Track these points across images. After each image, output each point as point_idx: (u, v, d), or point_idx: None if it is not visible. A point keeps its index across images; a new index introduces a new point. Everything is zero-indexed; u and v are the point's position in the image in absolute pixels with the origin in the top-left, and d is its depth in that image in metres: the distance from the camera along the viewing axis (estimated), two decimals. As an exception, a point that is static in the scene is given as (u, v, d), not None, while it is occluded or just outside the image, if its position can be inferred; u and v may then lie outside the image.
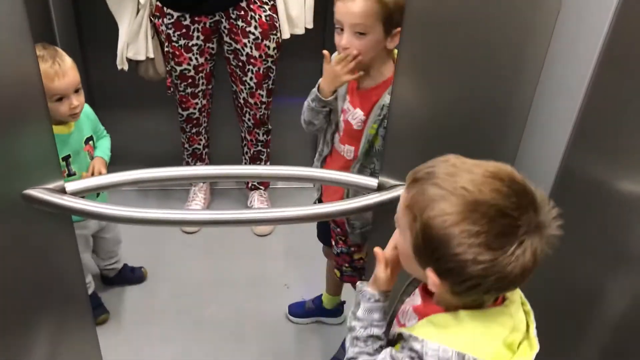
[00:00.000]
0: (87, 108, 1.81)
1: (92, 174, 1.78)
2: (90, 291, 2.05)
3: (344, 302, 2.12)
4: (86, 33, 2.51)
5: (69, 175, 1.76)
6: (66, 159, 1.74)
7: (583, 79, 1.03)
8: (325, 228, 1.82)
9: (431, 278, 0.81)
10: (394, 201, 1.26)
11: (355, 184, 1.29)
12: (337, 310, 2.13)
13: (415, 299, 1.00)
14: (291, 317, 2.15)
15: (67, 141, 1.73)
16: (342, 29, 1.38)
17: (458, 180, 0.79)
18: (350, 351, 0.97)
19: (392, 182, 1.26)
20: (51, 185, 1.17)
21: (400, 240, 0.89)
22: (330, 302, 2.10)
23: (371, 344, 0.95)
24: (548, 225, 0.79)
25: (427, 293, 0.95)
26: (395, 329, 0.94)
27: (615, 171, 1.02)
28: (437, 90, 1.17)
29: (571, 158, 1.08)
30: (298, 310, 2.15)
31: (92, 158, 1.84)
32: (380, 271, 0.97)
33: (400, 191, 1.22)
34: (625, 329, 1.00)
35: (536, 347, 0.86)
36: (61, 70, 1.62)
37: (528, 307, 0.90)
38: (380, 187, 1.27)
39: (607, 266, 1.04)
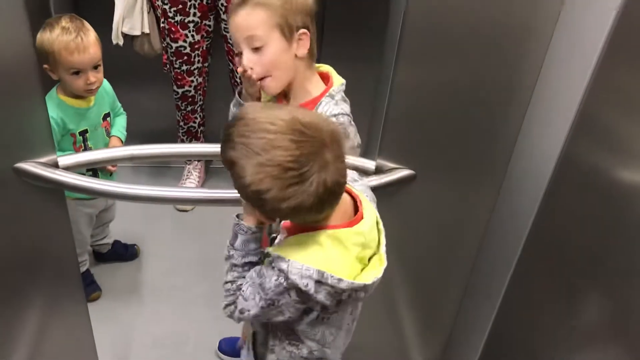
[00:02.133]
0: (106, 84, 1.81)
1: None
2: (84, 268, 2.04)
3: None
4: (81, 6, 2.47)
5: (85, 150, 1.74)
6: (83, 133, 1.73)
7: (586, 68, 1.02)
8: None
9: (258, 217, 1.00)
10: (392, 184, 1.25)
11: (352, 166, 1.28)
12: None
13: None
14: (220, 354, 1.92)
15: (85, 115, 1.72)
16: (241, 51, 1.22)
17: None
18: (229, 275, 1.06)
19: (390, 164, 1.25)
20: (43, 159, 1.16)
21: None
22: None
23: (248, 269, 1.04)
24: (336, 159, 0.91)
25: None
26: (265, 248, 1.04)
27: (616, 160, 1.01)
28: (438, 74, 1.16)
29: (572, 146, 1.07)
30: (228, 349, 1.90)
31: (108, 134, 1.82)
32: None
33: (400, 174, 1.23)
34: (623, 314, 1.00)
35: (384, 263, 0.99)
36: (82, 44, 1.61)
37: (381, 226, 1.03)
38: (378, 170, 1.26)
39: (605, 253, 1.04)
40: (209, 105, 2.59)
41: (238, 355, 1.87)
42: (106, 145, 1.82)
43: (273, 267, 0.97)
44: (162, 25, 2.21)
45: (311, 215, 0.93)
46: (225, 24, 2.22)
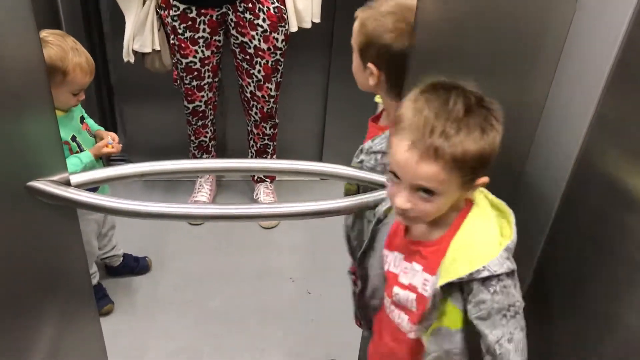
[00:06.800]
0: None
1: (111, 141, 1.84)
2: (95, 282, 2.06)
3: None
4: (93, 24, 2.50)
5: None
6: (73, 139, 1.75)
7: (603, 69, 1.01)
8: None
9: None
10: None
11: (363, 179, 1.28)
12: None
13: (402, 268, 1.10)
14: None
15: (66, 122, 1.75)
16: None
17: None
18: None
19: (400, 178, 1.24)
20: (55, 177, 1.16)
21: None
22: None
23: None
24: None
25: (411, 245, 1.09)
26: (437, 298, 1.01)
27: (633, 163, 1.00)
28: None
29: (589, 150, 1.05)
30: None
31: (91, 135, 1.85)
32: None
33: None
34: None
35: None
36: (92, 67, 1.68)
37: None
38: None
39: (626, 263, 1.02)
40: (220, 119, 2.61)
41: None
42: (93, 145, 1.84)
43: (481, 288, 1.01)
44: (172, 41, 2.23)
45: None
46: (235, 40, 2.23)
